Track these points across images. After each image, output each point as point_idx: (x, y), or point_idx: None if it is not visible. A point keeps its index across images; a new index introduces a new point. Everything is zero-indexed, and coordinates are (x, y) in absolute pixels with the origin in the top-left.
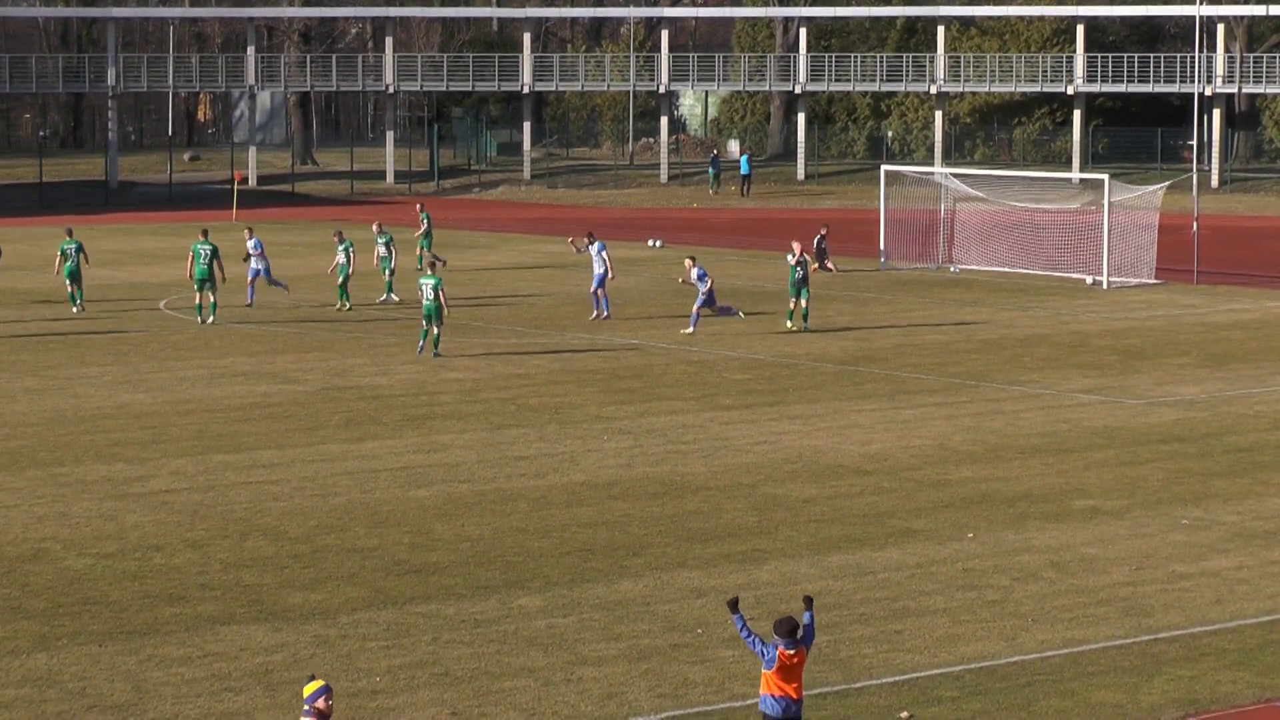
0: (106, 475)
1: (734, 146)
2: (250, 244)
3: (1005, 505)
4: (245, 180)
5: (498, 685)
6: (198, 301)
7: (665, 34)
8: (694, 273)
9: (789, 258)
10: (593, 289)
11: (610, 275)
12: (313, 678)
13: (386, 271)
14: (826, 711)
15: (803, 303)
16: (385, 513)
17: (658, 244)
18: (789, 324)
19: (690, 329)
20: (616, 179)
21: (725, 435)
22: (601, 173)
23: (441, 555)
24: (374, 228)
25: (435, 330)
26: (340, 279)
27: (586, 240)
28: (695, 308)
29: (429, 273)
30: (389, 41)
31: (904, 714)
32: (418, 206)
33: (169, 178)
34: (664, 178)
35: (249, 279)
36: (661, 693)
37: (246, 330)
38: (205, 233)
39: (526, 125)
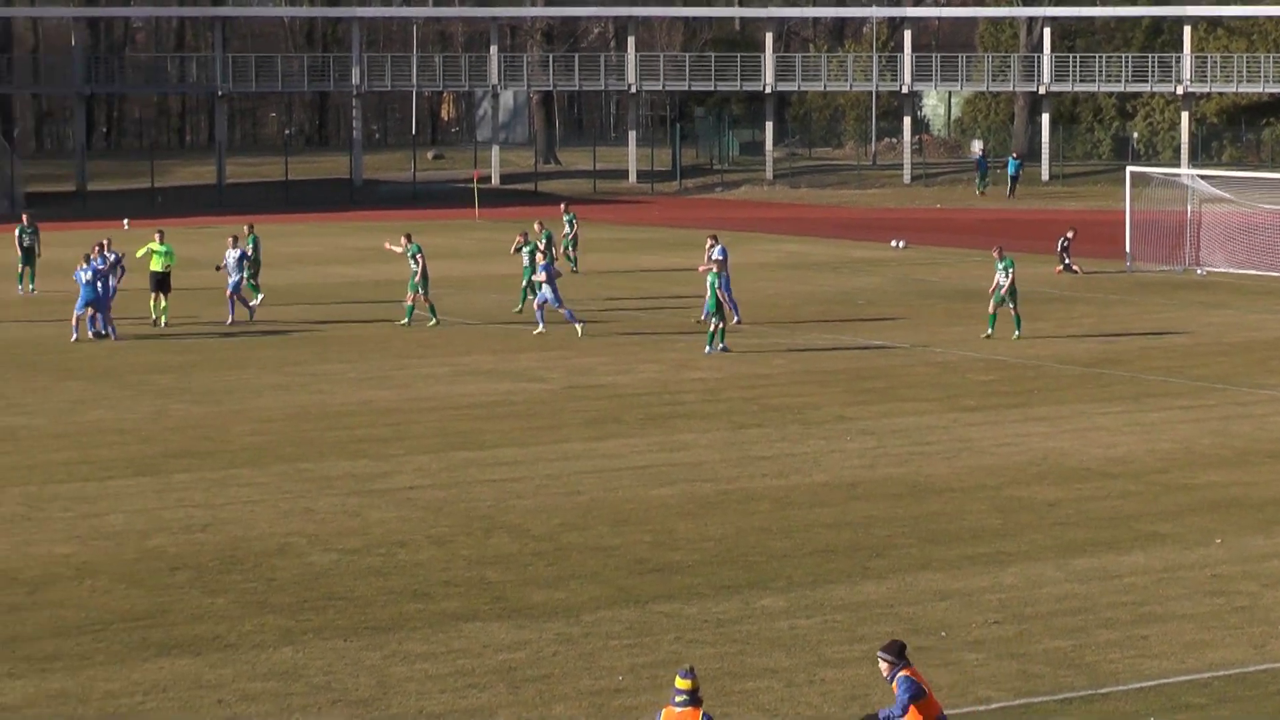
0: (350, 471)
1: (977, 146)
2: (233, 254)
3: (1253, 510)
4: (486, 179)
5: (740, 686)
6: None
7: (908, 34)
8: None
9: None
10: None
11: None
12: (690, 671)
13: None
14: (1072, 717)
15: (1010, 309)
16: (628, 511)
17: (901, 245)
18: (1011, 332)
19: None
20: (859, 179)
21: (968, 437)
22: (844, 173)
23: (684, 554)
24: (535, 227)
25: (721, 326)
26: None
27: (710, 241)
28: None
29: (714, 270)
30: (631, 41)
31: None
32: (561, 207)
33: (412, 176)
34: (907, 178)
35: (229, 293)
36: None
37: (489, 329)
38: (409, 236)
39: (769, 125)
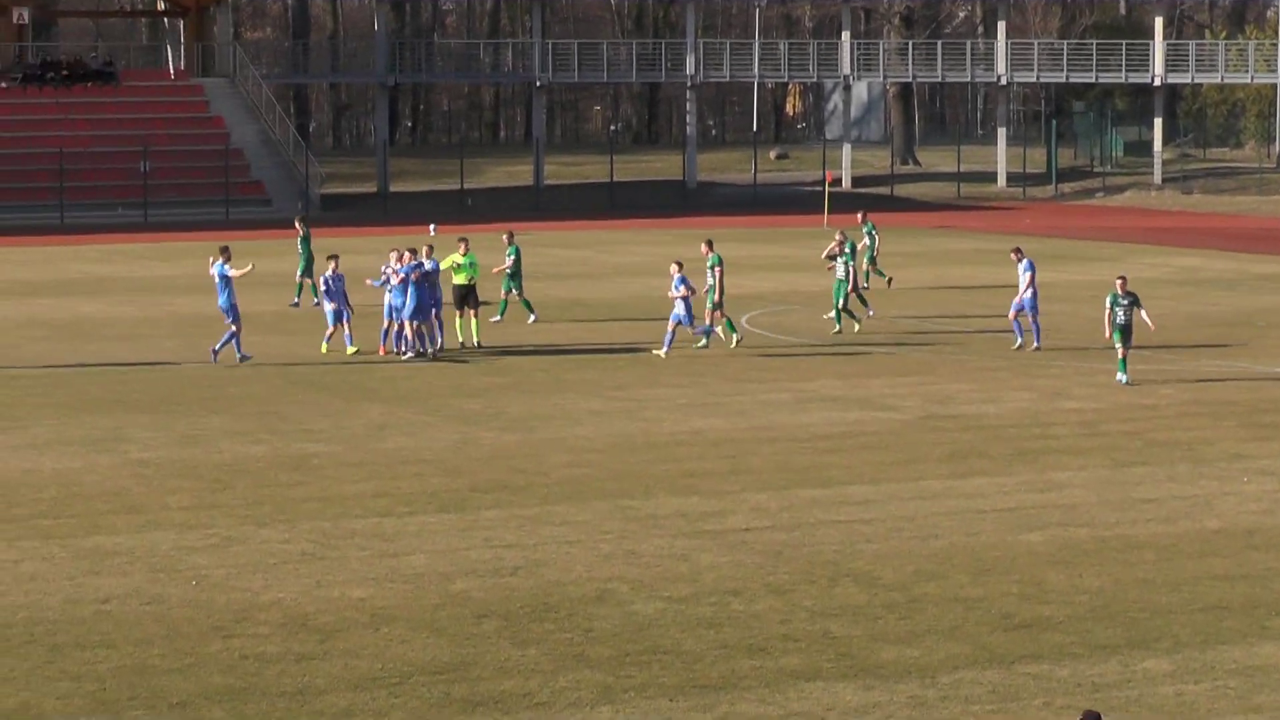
0: (679, 509)
1: None
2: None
3: None
4: (837, 182)
5: None
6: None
7: None
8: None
9: None
10: (1011, 314)
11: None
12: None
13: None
14: None
15: None
16: (991, 559)
17: None
18: None
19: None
20: (1260, 184)
21: None
22: (1243, 176)
23: (1055, 609)
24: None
25: (1123, 352)
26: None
27: (1014, 256)
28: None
29: (1119, 291)
30: (1001, 26)
31: None
32: (859, 216)
33: (753, 178)
34: None
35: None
36: None
37: (835, 350)
38: (710, 243)
39: (1157, 122)
